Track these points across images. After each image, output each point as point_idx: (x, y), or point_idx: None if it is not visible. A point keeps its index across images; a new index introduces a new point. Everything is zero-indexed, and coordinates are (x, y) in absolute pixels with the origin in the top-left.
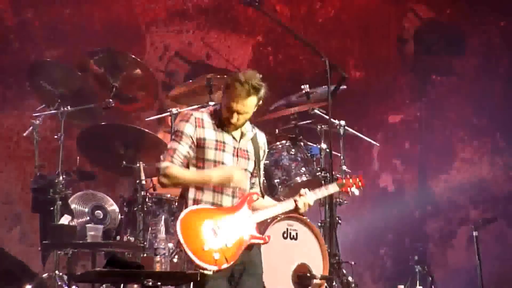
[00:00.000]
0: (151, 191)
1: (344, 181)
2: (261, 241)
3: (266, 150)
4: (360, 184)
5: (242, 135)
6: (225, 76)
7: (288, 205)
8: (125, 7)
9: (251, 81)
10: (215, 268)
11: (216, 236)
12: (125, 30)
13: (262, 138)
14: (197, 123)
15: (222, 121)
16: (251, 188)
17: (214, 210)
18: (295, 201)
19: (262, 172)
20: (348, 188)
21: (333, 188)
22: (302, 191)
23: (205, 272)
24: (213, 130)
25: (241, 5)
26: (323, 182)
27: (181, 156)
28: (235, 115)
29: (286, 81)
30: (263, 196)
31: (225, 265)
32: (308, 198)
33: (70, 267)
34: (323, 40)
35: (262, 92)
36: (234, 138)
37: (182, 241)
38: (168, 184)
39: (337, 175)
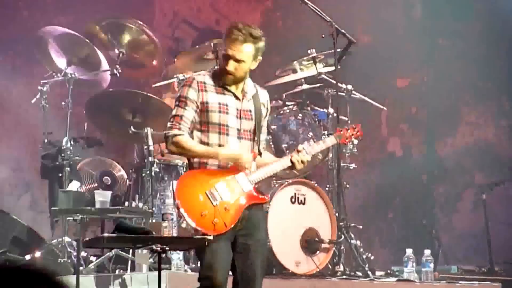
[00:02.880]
0: (159, 157)
1: (342, 132)
2: (260, 201)
3: (269, 108)
4: (358, 133)
5: (244, 95)
6: None
7: (284, 162)
8: None
9: (249, 28)
10: (214, 233)
11: (214, 200)
12: None
13: (264, 95)
14: (199, 86)
15: (223, 79)
16: None
17: (211, 173)
18: (291, 158)
19: (264, 130)
20: (346, 139)
21: (330, 141)
22: (300, 147)
23: (205, 237)
24: (215, 93)
25: None
26: (331, 147)
27: (188, 123)
28: (231, 62)
29: (295, 46)
30: (260, 154)
31: (224, 230)
32: (304, 154)
33: (79, 233)
34: (330, 5)
35: (261, 44)
36: (236, 97)
37: (180, 206)
38: (176, 152)
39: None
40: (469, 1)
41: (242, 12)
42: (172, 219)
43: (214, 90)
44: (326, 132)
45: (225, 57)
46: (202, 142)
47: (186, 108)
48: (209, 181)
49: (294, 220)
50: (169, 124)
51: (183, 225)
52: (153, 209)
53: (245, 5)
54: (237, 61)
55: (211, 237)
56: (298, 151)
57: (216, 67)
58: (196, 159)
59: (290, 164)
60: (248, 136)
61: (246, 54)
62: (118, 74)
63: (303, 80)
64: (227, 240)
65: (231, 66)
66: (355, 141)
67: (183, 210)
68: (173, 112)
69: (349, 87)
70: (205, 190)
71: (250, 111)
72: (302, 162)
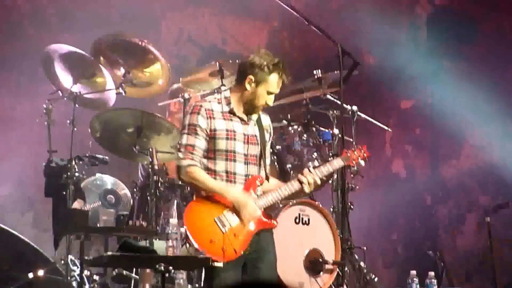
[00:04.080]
0: (163, 176)
1: (348, 154)
2: (270, 227)
3: (272, 132)
4: (365, 155)
5: (249, 119)
6: (238, 61)
7: (293, 186)
8: None
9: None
10: (224, 260)
11: (223, 228)
12: (140, 16)
13: (266, 120)
14: (207, 114)
15: (254, 110)
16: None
17: (219, 199)
18: (299, 180)
19: (268, 154)
20: (353, 161)
21: (338, 163)
22: (306, 170)
23: (215, 264)
24: (222, 119)
25: None
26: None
27: (201, 152)
28: (272, 97)
29: (301, 66)
30: (267, 179)
31: (234, 256)
32: (313, 176)
33: (83, 251)
34: (337, 26)
35: None
36: (243, 122)
37: (189, 234)
38: (188, 183)
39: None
40: (474, 22)
41: (249, 32)
42: (176, 239)
43: (221, 116)
44: (331, 153)
45: (268, 92)
46: (208, 169)
47: (197, 137)
48: (218, 207)
49: (298, 241)
50: (181, 154)
51: (188, 245)
52: (157, 228)
53: (252, 25)
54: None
55: (221, 264)
56: (307, 173)
57: (223, 88)
58: None
59: (298, 188)
60: (254, 161)
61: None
62: (123, 93)
63: (308, 100)
64: (237, 266)
65: (272, 100)
66: (362, 163)
67: (191, 237)
68: (184, 141)
69: (354, 108)
70: (214, 217)
71: (256, 136)
72: (312, 184)
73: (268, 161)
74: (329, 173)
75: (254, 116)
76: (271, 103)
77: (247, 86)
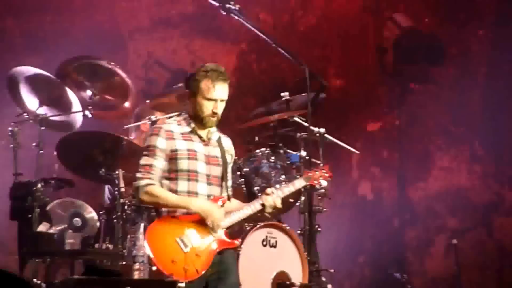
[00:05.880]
0: (130, 199)
1: (310, 174)
2: (231, 246)
3: (233, 154)
4: (327, 175)
5: (208, 137)
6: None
7: (254, 206)
8: (108, 15)
9: (222, 68)
10: (185, 280)
11: (185, 248)
12: (107, 38)
13: (227, 142)
14: (167, 135)
15: (208, 123)
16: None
17: (181, 220)
18: (261, 201)
19: (229, 176)
20: (315, 181)
21: (299, 183)
22: (269, 190)
23: (179, 285)
24: (183, 140)
25: (224, 13)
26: (303, 189)
27: (159, 172)
28: (219, 104)
29: (269, 88)
30: (229, 199)
31: (196, 276)
32: (274, 197)
33: (49, 275)
34: (304, 48)
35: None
36: (203, 141)
37: (151, 255)
38: (148, 202)
39: (304, 170)
40: (442, 45)
41: (218, 54)
42: (143, 261)
43: (181, 137)
44: (298, 175)
45: (210, 100)
46: (171, 190)
47: (156, 158)
48: (180, 227)
49: (265, 263)
50: (139, 174)
51: (154, 268)
52: (124, 251)
53: (221, 47)
54: (222, 101)
55: (183, 284)
56: (267, 194)
57: (183, 113)
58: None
59: (260, 208)
60: (216, 182)
61: (227, 93)
62: (90, 115)
63: (276, 122)
64: (199, 287)
65: (220, 108)
66: (324, 183)
67: (154, 259)
68: (143, 162)
69: (322, 130)
70: (175, 237)
71: (217, 157)
72: (273, 205)
73: (230, 183)
74: (291, 192)
75: (215, 136)
76: (218, 111)
77: (189, 101)
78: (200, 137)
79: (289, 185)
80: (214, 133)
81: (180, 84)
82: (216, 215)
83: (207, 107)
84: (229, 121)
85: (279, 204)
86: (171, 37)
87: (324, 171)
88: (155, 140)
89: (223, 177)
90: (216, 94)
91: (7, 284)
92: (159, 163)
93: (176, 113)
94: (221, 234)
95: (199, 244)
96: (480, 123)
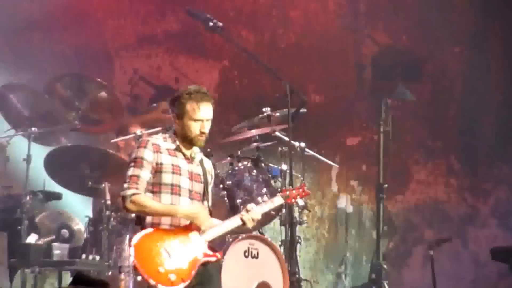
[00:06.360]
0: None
1: (287, 192)
2: (214, 258)
3: (213, 175)
4: (303, 193)
5: (192, 156)
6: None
7: (234, 221)
8: (95, 32)
9: (204, 89)
10: None
11: (170, 257)
12: (94, 55)
13: (208, 163)
14: (154, 148)
15: (197, 143)
16: None
17: (166, 232)
18: (241, 217)
19: (210, 194)
20: (292, 199)
21: (277, 201)
22: (249, 206)
23: None
24: (168, 155)
25: (208, 31)
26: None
27: (145, 183)
28: (206, 123)
29: (251, 104)
30: (211, 215)
31: (181, 285)
32: (253, 213)
33: (37, 285)
34: (285, 65)
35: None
36: (187, 159)
37: (137, 265)
38: (134, 211)
39: (283, 187)
40: (418, 64)
41: (201, 70)
42: (128, 271)
43: (167, 152)
44: (280, 188)
45: (196, 121)
46: None
47: (143, 169)
48: (165, 238)
49: (247, 274)
50: (126, 185)
51: (139, 279)
52: (110, 262)
53: (204, 64)
54: (208, 120)
55: None
56: (248, 211)
57: (168, 129)
58: (148, 220)
59: (240, 223)
60: (198, 198)
61: (212, 111)
62: (77, 130)
63: (257, 137)
64: None
65: (207, 127)
66: (300, 202)
67: (140, 268)
68: (129, 173)
69: (302, 144)
70: (160, 248)
71: (200, 175)
72: (253, 220)
73: (210, 202)
74: (270, 209)
75: (198, 156)
76: (206, 130)
77: (175, 123)
78: (184, 155)
79: (268, 202)
80: (197, 153)
81: (164, 101)
82: (203, 217)
83: (195, 128)
84: (212, 135)
85: (259, 217)
86: (156, 54)
87: (301, 190)
88: (142, 152)
89: (204, 195)
90: (202, 115)
91: None
92: (146, 175)
93: (161, 129)
94: (204, 246)
95: (183, 255)
96: (456, 138)
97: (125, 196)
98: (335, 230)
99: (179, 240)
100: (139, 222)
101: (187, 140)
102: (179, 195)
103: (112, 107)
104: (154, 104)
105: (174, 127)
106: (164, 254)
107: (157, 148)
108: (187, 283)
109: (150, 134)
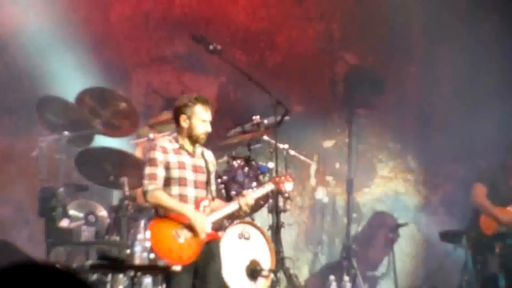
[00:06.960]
0: (139, 201)
1: (276, 179)
2: (215, 237)
3: (215, 164)
4: (290, 179)
5: (193, 151)
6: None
7: (233, 205)
8: (116, 52)
9: (201, 96)
10: (182, 264)
11: (179, 238)
12: (115, 71)
13: (209, 154)
14: (162, 150)
15: (199, 140)
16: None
17: (176, 217)
18: (238, 201)
19: (213, 181)
20: (281, 184)
21: (269, 186)
22: (244, 192)
23: (174, 268)
24: (174, 154)
25: (208, 53)
26: (271, 193)
27: (162, 179)
28: (208, 124)
29: (243, 113)
30: (213, 200)
31: (189, 261)
32: (248, 197)
33: (68, 261)
34: (272, 81)
35: None
36: (190, 154)
37: (152, 245)
38: (154, 204)
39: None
40: (382, 79)
41: (203, 85)
42: (143, 250)
43: (172, 151)
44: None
45: (204, 121)
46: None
47: (157, 168)
48: (175, 223)
49: (240, 253)
50: (146, 182)
51: (152, 256)
52: (128, 242)
53: (205, 79)
54: (209, 121)
55: (179, 268)
56: (243, 196)
57: (172, 133)
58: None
59: (238, 207)
60: (202, 187)
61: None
62: (101, 134)
63: (249, 140)
64: (190, 270)
65: (210, 127)
66: (288, 185)
67: (154, 247)
68: (148, 171)
69: (286, 146)
70: (171, 230)
71: (202, 167)
72: (247, 204)
73: (214, 187)
74: (262, 194)
75: (199, 150)
76: (209, 129)
77: (184, 124)
78: (187, 151)
79: (260, 188)
80: (198, 147)
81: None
82: (201, 225)
83: (202, 127)
84: (212, 139)
85: (252, 202)
86: (165, 71)
87: (288, 176)
88: (154, 153)
89: (208, 183)
90: (208, 116)
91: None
92: (161, 171)
93: (168, 133)
94: (208, 228)
95: (190, 236)
96: (412, 141)
97: (146, 190)
98: (313, 217)
99: (186, 224)
100: (156, 211)
101: (193, 139)
102: (186, 185)
103: (130, 115)
104: (163, 112)
105: (176, 130)
106: (174, 236)
107: (164, 149)
108: (194, 260)
109: (159, 137)
